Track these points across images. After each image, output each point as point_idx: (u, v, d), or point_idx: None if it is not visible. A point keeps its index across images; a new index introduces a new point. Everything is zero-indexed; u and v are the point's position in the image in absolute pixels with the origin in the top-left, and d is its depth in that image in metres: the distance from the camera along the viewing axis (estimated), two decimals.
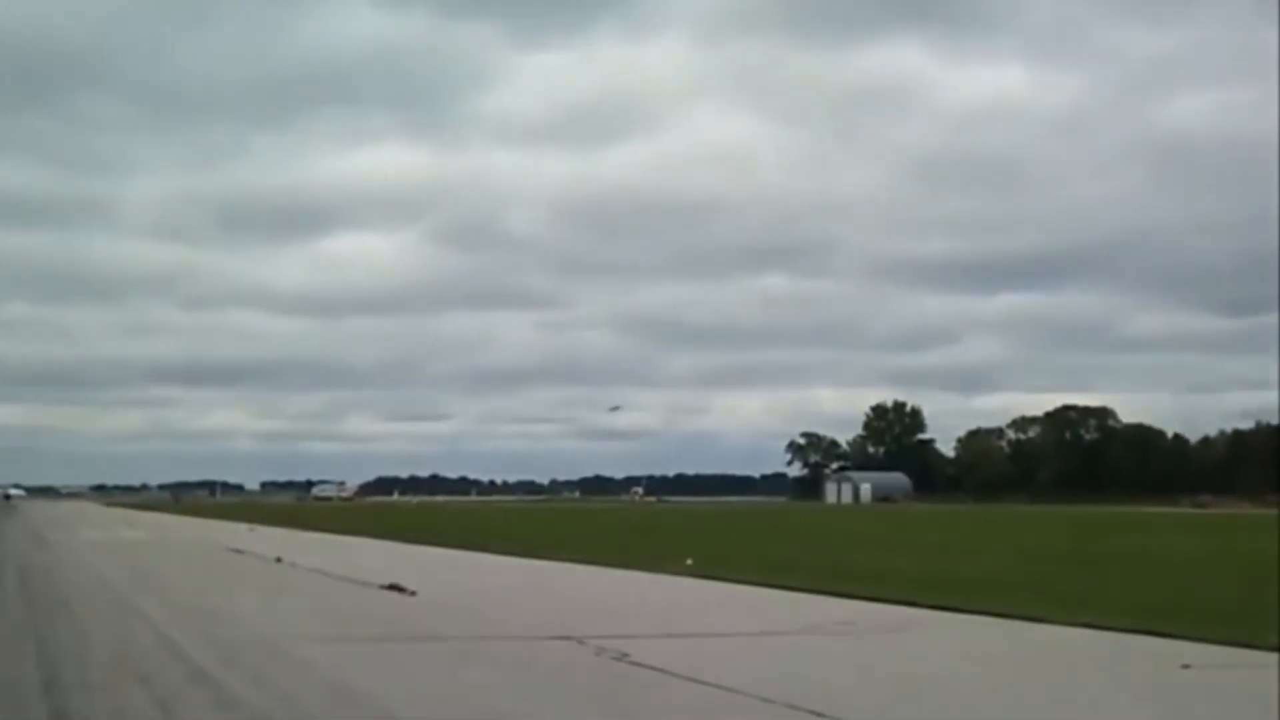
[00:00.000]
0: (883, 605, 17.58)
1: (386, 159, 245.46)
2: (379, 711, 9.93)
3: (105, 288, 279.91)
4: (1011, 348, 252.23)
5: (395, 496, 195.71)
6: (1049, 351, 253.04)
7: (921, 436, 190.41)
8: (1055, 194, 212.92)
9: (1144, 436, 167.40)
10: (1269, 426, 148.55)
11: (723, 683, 10.82)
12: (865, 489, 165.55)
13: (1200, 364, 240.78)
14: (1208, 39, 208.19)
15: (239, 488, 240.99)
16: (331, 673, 11.75)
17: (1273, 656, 12.15)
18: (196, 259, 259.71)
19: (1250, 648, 12.89)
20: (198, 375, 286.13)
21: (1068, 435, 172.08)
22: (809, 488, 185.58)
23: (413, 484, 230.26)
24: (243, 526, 53.84)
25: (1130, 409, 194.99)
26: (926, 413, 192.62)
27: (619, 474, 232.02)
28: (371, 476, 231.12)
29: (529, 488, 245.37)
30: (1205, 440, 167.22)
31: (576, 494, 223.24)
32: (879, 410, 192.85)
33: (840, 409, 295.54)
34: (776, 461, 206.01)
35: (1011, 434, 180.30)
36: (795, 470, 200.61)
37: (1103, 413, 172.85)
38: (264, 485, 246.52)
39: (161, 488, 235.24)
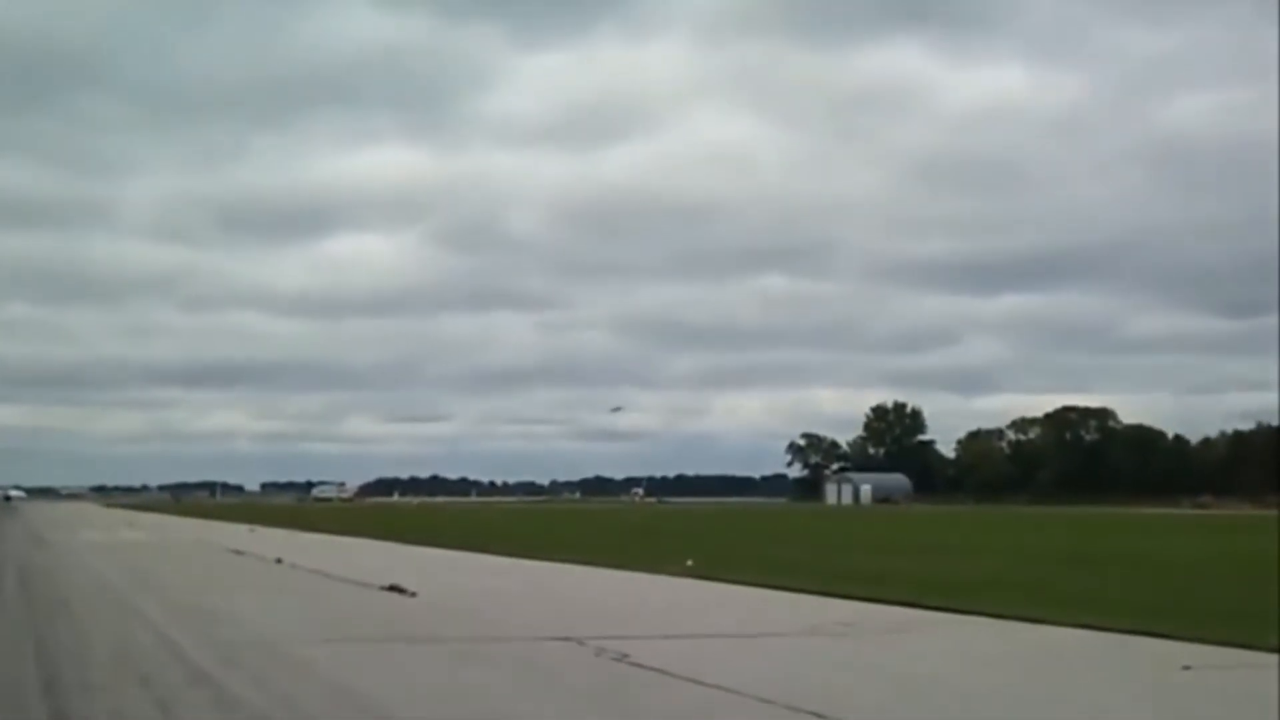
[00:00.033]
0: (883, 606, 17.59)
1: (387, 160, 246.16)
2: (379, 712, 9.93)
3: (105, 288, 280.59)
4: (1012, 349, 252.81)
5: (395, 497, 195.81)
6: (1049, 352, 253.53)
7: (922, 437, 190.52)
8: (1055, 195, 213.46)
9: (1144, 437, 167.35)
10: (1269, 427, 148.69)
11: (723, 683, 10.82)
12: (865, 490, 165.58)
13: (1200, 365, 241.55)
14: (1208, 39, 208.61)
15: (239, 489, 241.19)
16: (332, 673, 11.75)
17: (1273, 658, 12.16)
18: (196, 260, 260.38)
19: (1250, 649, 12.89)
20: (198, 376, 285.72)
21: (1068, 436, 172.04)
22: (809, 489, 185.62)
23: (413, 485, 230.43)
24: (243, 527, 53.83)
25: (1130, 410, 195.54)
26: (927, 414, 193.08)
27: (619, 475, 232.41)
28: (372, 477, 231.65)
29: (529, 489, 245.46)
30: (1206, 441, 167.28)
31: (577, 495, 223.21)
32: (879, 411, 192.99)
33: (840, 410, 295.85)
34: (777, 462, 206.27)
35: (1012, 435, 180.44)
36: (795, 471, 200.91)
37: (1103, 414, 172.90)
38: (264, 486, 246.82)
39: (161, 489, 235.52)
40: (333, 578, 23.98)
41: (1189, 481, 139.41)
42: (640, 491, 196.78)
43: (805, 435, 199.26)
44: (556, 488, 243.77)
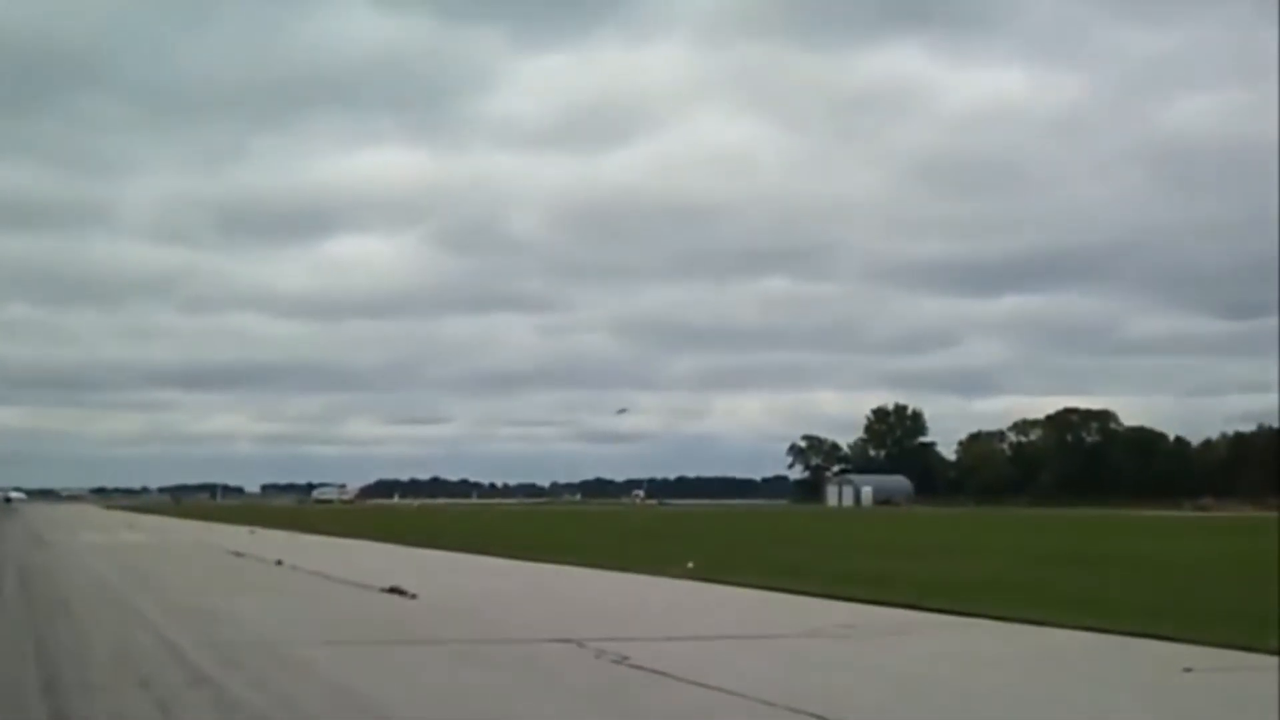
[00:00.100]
0: (884, 608, 17.58)
1: (387, 161, 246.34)
2: (379, 713, 9.93)
3: (105, 290, 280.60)
4: (1012, 350, 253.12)
5: (396, 499, 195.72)
6: (1050, 354, 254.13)
7: (922, 439, 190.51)
8: (1055, 195, 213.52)
9: (1145, 439, 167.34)
10: (1270, 429, 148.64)
11: (724, 685, 10.81)
12: (866, 492, 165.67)
13: (1201, 367, 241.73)
14: (1208, 39, 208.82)
15: (239, 490, 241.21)
16: (332, 675, 11.74)
17: (1273, 660, 12.15)
18: (196, 261, 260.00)
19: (1251, 651, 12.88)
20: (198, 378, 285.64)
21: (1069, 438, 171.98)
22: (810, 490, 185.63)
23: (413, 487, 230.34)
24: (243, 529, 53.84)
25: (1131, 412, 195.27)
26: (927, 415, 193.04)
27: (620, 477, 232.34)
28: (372, 479, 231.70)
29: (530, 490, 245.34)
30: (1206, 443, 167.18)
31: (577, 497, 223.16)
32: (880, 413, 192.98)
33: (841, 412, 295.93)
34: (777, 464, 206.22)
35: (1013, 437, 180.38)
36: (796, 473, 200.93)
37: (1104, 415, 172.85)
38: (264, 488, 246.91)
39: (162, 490, 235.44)
40: (333, 579, 23.98)
41: (1190, 483, 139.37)
42: (641, 493, 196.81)
43: (806, 437, 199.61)
44: (557, 490, 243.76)
